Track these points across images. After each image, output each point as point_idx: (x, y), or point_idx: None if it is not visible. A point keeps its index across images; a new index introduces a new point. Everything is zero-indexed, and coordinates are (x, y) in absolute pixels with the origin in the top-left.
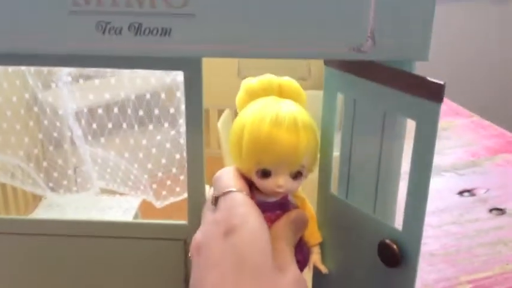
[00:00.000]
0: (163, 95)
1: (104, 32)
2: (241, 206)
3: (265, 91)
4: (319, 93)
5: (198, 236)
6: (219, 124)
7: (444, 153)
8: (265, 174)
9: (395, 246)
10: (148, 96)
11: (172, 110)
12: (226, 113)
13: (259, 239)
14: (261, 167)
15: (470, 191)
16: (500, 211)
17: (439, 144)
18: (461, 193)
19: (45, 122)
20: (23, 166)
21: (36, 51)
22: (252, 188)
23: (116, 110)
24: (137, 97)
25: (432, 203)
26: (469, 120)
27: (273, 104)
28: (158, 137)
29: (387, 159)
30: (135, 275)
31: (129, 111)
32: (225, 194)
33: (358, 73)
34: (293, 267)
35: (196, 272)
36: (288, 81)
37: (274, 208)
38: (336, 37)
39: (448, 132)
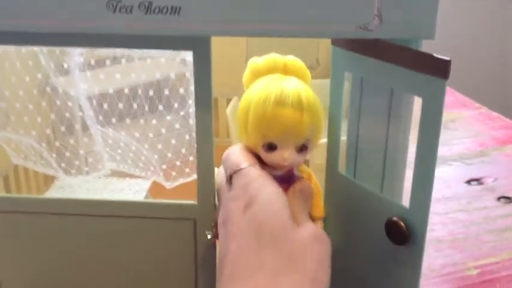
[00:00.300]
0: (172, 75)
1: (114, 11)
2: (256, 180)
3: (271, 70)
4: (327, 82)
5: (220, 216)
6: (228, 111)
7: (452, 143)
8: (271, 147)
9: (402, 224)
10: (158, 76)
11: (181, 91)
12: (235, 100)
13: (275, 203)
14: (266, 140)
15: (478, 180)
16: (508, 199)
17: (447, 135)
18: (469, 182)
19: (57, 102)
20: (35, 146)
21: (46, 30)
22: (261, 164)
23: (126, 90)
24: (147, 78)
25: (440, 192)
26: (476, 112)
27: (278, 81)
28: (168, 118)
29: (394, 138)
30: (146, 254)
31: (139, 91)
32: (237, 171)
33: (364, 52)
34: (311, 223)
35: (221, 247)
36: (293, 60)
37: (280, 181)
38: (343, 16)
39: (456, 123)
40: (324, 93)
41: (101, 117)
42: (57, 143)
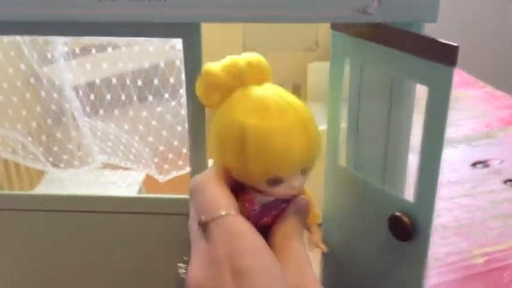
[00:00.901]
0: (162, 64)
1: None
2: (243, 238)
3: (231, 74)
4: (327, 65)
5: (197, 276)
6: None
7: (457, 124)
8: (276, 181)
9: (407, 219)
10: (146, 65)
11: (172, 80)
12: None
13: (275, 276)
14: (271, 177)
15: (483, 163)
16: None
17: (451, 116)
18: (474, 165)
19: (43, 94)
20: (22, 140)
21: (28, 18)
22: (248, 188)
23: (114, 80)
24: (135, 66)
25: (444, 176)
26: (481, 91)
27: (271, 105)
28: (158, 109)
29: (396, 127)
30: (139, 250)
31: (127, 81)
32: (216, 219)
33: (365, 36)
34: (313, 283)
35: None
36: (256, 57)
37: (279, 204)
38: None
39: (460, 103)
40: (323, 76)
41: (88, 109)
42: (44, 137)
